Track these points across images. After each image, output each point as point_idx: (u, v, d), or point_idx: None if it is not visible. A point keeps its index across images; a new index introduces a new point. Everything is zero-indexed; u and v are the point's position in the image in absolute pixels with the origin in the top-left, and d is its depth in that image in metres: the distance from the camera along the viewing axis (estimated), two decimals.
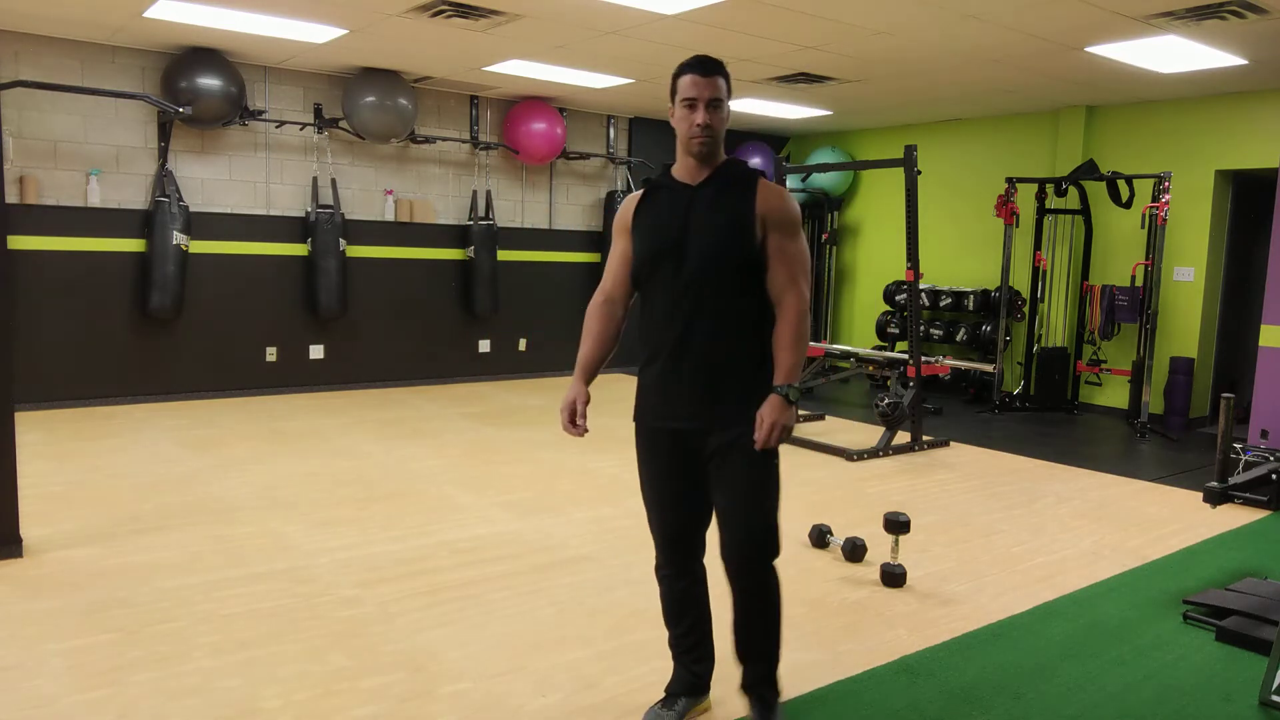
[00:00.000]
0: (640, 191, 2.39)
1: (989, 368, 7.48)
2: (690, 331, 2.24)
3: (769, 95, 7.75)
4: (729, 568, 2.30)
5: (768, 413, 2.20)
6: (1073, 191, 7.85)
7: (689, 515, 2.38)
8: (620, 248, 2.39)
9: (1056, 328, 8.12)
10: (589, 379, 2.39)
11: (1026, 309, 8.03)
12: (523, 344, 8.73)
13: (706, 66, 2.22)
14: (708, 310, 2.23)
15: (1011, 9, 4.92)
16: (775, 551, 2.32)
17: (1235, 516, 4.72)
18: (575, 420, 2.34)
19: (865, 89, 7.32)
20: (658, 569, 2.46)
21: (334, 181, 7.53)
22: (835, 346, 7.47)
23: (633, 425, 2.40)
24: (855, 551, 3.82)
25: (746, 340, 2.27)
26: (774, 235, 2.25)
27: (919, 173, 5.91)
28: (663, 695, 2.49)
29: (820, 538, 3.99)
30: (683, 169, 2.31)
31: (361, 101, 7.18)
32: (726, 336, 2.25)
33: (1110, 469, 5.78)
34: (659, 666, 2.77)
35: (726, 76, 2.25)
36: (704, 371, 2.25)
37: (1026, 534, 4.34)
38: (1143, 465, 5.96)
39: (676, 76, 2.26)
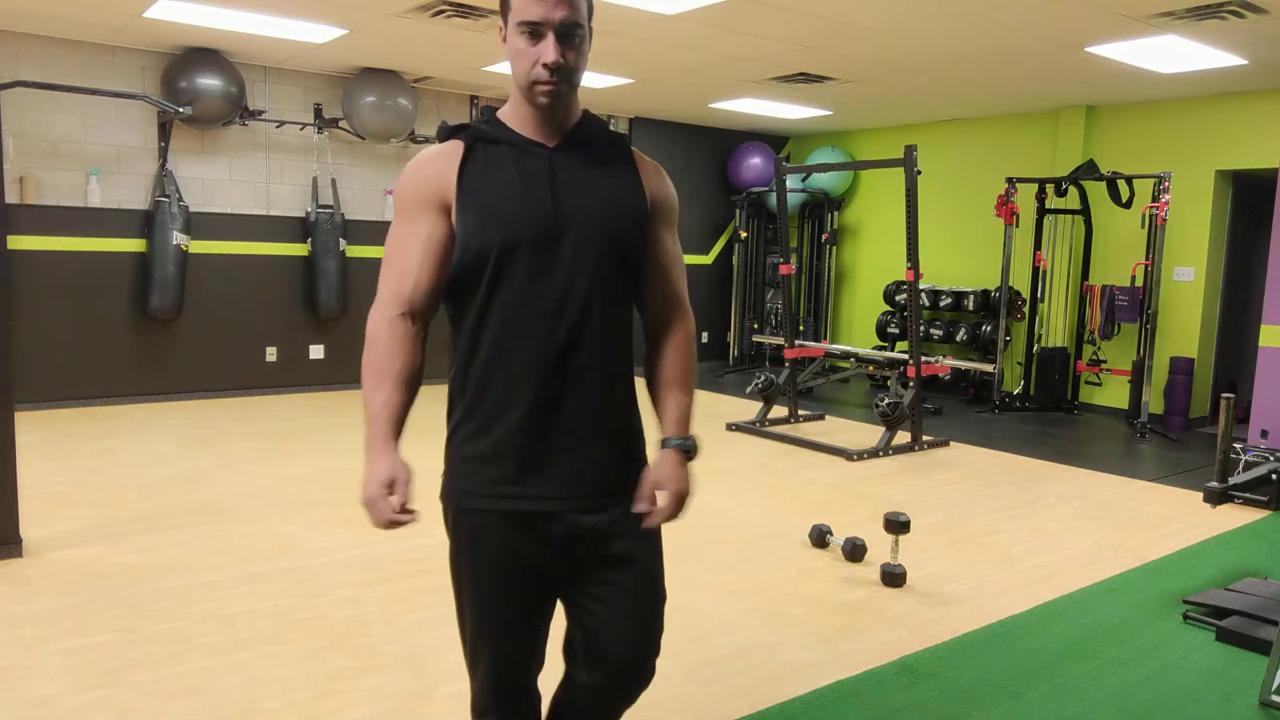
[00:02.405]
0: (452, 145, 1.55)
1: (989, 368, 7.49)
2: (569, 363, 1.53)
3: (769, 95, 7.75)
4: (602, 692, 1.68)
5: (669, 477, 1.59)
6: (1073, 191, 7.85)
7: (537, 639, 1.67)
8: (424, 231, 1.53)
9: (1056, 328, 8.12)
10: (398, 437, 1.57)
11: (1026, 309, 8.03)
12: None
13: None
14: (586, 328, 1.54)
15: (1011, 9, 4.92)
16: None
17: (1235, 516, 4.71)
18: (398, 509, 1.52)
19: (865, 89, 7.32)
20: (482, 713, 1.70)
21: (334, 181, 7.53)
22: (835, 346, 7.47)
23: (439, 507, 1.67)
24: (855, 551, 3.82)
25: (627, 373, 1.62)
26: (661, 228, 1.62)
27: (919, 173, 5.91)
28: None
29: (820, 538, 3.99)
30: (522, 121, 1.56)
31: (361, 101, 7.18)
32: (611, 367, 1.58)
33: (1110, 469, 5.78)
34: (658, 666, 2.78)
35: None
36: (589, 422, 1.56)
37: (1026, 534, 4.34)
38: (1143, 465, 5.96)
39: None
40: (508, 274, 1.51)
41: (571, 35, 1.48)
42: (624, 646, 1.63)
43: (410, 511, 1.53)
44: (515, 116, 1.56)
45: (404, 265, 1.54)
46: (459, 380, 1.60)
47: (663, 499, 1.59)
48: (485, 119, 1.58)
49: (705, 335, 9.97)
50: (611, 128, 1.66)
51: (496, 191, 1.52)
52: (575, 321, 1.53)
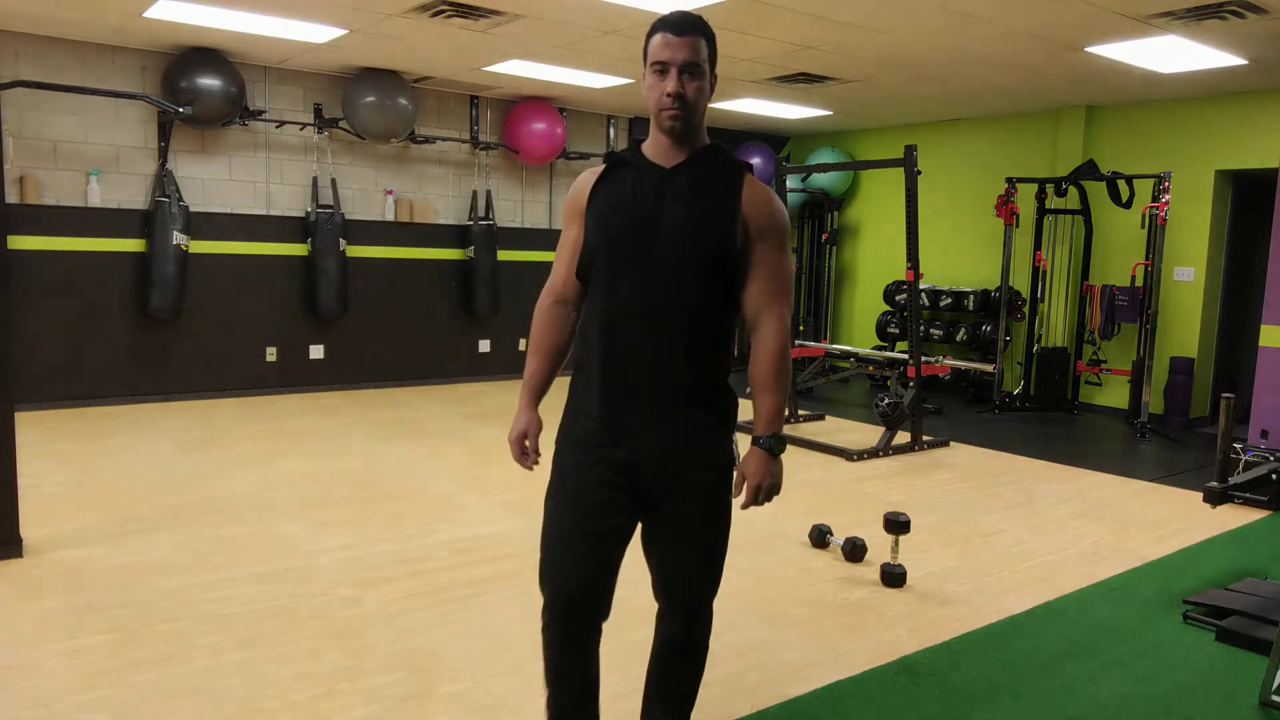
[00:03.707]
0: (600, 168, 1.96)
1: (989, 368, 7.49)
2: (647, 342, 1.86)
3: (769, 95, 7.75)
4: (665, 633, 2.02)
5: (754, 470, 1.90)
6: (1073, 191, 7.85)
7: (604, 569, 1.93)
8: (572, 235, 1.96)
9: (1056, 328, 8.12)
10: (538, 400, 2.03)
11: (1026, 309, 8.03)
12: (523, 344, 8.72)
13: (682, 23, 1.81)
14: (670, 317, 1.85)
15: (1011, 9, 4.92)
16: (711, 602, 2.02)
17: (1235, 516, 4.71)
18: (526, 451, 2.01)
19: (865, 89, 7.32)
20: (546, 629, 1.97)
21: (334, 181, 7.53)
22: (835, 346, 7.47)
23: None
24: (855, 551, 3.82)
25: (711, 363, 1.91)
26: (758, 244, 1.88)
27: (919, 173, 5.91)
28: None
29: (820, 538, 3.99)
30: (655, 148, 1.90)
31: (361, 101, 7.18)
32: (688, 353, 1.87)
33: (1110, 469, 5.78)
34: None
35: (710, 37, 1.84)
36: (662, 392, 1.87)
37: (1026, 534, 4.34)
38: (1143, 465, 5.96)
39: (649, 36, 1.84)
40: (608, 266, 1.87)
41: (694, 73, 1.82)
42: (681, 584, 1.96)
43: (536, 456, 2.03)
44: (650, 145, 1.92)
45: (557, 262, 2.01)
46: (578, 346, 1.98)
47: (747, 488, 1.91)
48: (629, 148, 1.97)
49: None
50: (734, 156, 1.95)
51: (612, 203, 1.90)
52: (658, 313, 1.85)
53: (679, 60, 1.80)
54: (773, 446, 1.90)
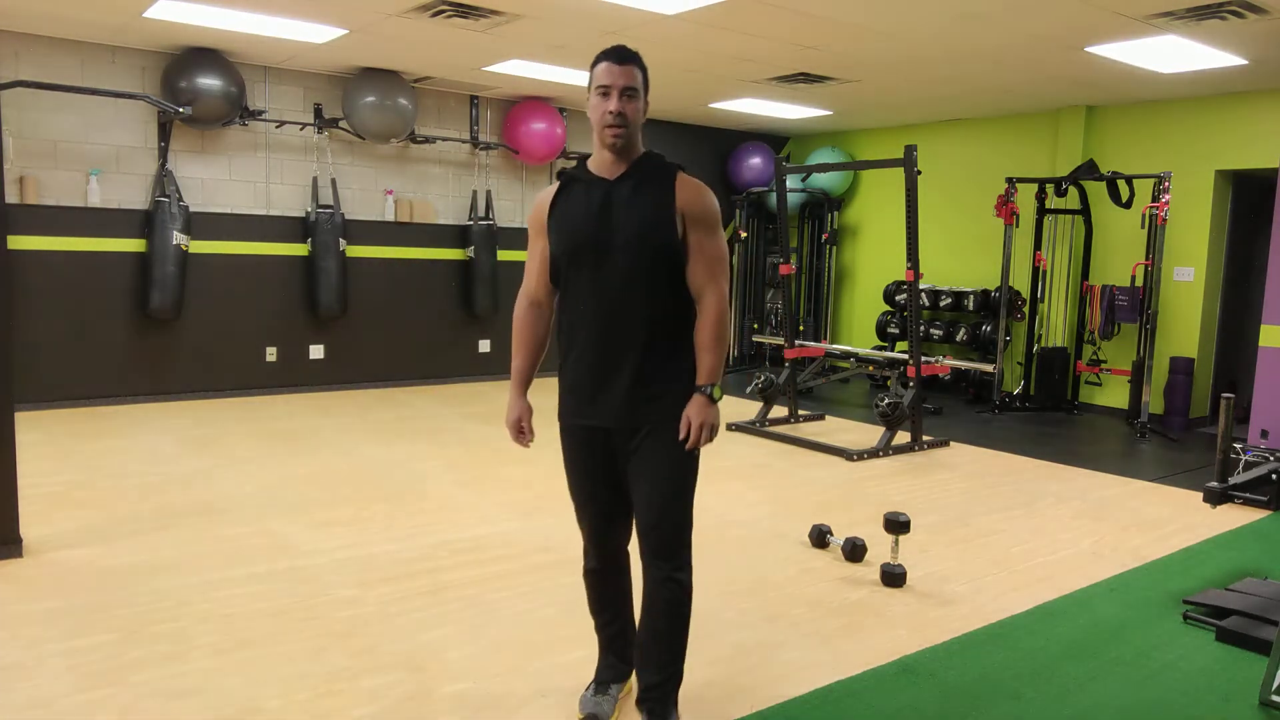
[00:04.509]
0: (555, 186, 2.33)
1: (989, 368, 7.49)
2: (613, 329, 2.23)
3: (769, 95, 7.75)
4: (645, 556, 2.31)
5: (695, 413, 2.22)
6: (1073, 191, 7.85)
7: (616, 510, 2.40)
8: (539, 247, 2.34)
9: (1056, 328, 8.12)
10: (526, 389, 2.44)
11: (1026, 309, 8.03)
12: None
13: (621, 54, 2.19)
14: (630, 307, 2.22)
15: (1011, 9, 4.92)
16: (687, 546, 2.30)
17: (1235, 516, 4.72)
18: (524, 431, 2.42)
19: (865, 89, 7.33)
20: (586, 557, 2.49)
21: (334, 181, 7.53)
22: (835, 346, 7.47)
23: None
24: (855, 551, 3.82)
25: (669, 337, 2.26)
26: (693, 231, 2.23)
27: (919, 173, 5.91)
28: (593, 682, 2.55)
29: (820, 538, 3.99)
30: (599, 162, 2.26)
31: (361, 101, 7.18)
32: (649, 333, 2.23)
33: (1110, 469, 5.78)
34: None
35: (643, 68, 2.23)
36: (627, 369, 2.24)
37: (1026, 534, 4.34)
38: (1143, 465, 5.96)
39: (593, 65, 2.22)
40: (574, 270, 2.25)
41: (632, 96, 2.19)
42: (651, 513, 2.28)
43: (530, 435, 2.44)
44: (595, 161, 2.28)
45: (529, 270, 2.39)
46: (558, 340, 2.37)
47: (692, 428, 2.22)
48: (576, 167, 2.31)
49: None
50: (665, 159, 2.29)
51: (568, 215, 2.27)
52: (620, 301, 2.22)
53: (620, 84, 2.17)
54: (711, 393, 2.24)
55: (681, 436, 2.22)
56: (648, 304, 2.22)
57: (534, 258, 2.36)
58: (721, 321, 2.25)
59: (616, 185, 2.23)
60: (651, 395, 2.25)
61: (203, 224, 6.96)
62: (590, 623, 2.57)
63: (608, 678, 2.54)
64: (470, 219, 8.20)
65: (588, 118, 2.24)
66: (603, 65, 2.19)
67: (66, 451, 5.32)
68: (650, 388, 2.25)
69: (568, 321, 2.30)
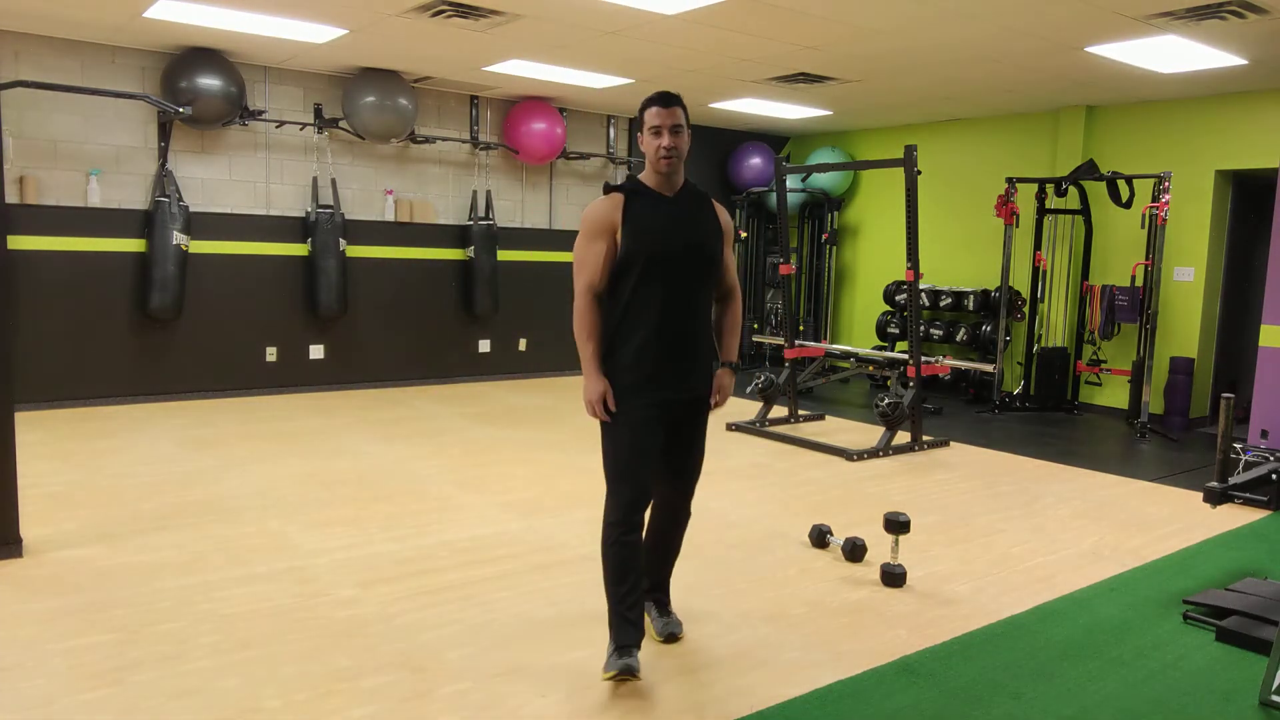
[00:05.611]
0: (620, 195, 2.71)
1: (989, 368, 7.48)
2: (682, 318, 2.71)
3: (769, 95, 7.75)
4: (672, 507, 2.89)
5: (728, 382, 2.85)
6: (1073, 191, 7.85)
7: (653, 471, 2.78)
8: (601, 246, 2.68)
9: (1056, 328, 8.12)
10: (601, 366, 2.73)
11: (1026, 309, 8.03)
12: (523, 344, 8.73)
13: (666, 99, 2.69)
14: (693, 301, 2.73)
15: (1011, 9, 4.92)
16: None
17: (1235, 516, 4.71)
18: (606, 404, 2.70)
19: (865, 89, 7.32)
20: (618, 526, 2.68)
21: (334, 181, 7.53)
22: (835, 346, 7.47)
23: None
24: (855, 551, 3.82)
25: (708, 324, 2.84)
26: (725, 245, 2.83)
27: (919, 173, 5.91)
28: (615, 648, 2.66)
29: (820, 538, 3.99)
30: (654, 181, 2.72)
31: (361, 101, 7.18)
32: (702, 322, 2.78)
33: (1110, 469, 5.78)
34: (660, 666, 2.77)
35: (684, 107, 2.72)
36: (691, 351, 2.75)
37: (1026, 534, 4.34)
38: (1143, 465, 5.96)
39: (643, 109, 2.71)
40: (651, 267, 2.66)
41: (678, 132, 2.68)
42: (688, 472, 2.89)
43: (612, 411, 2.70)
44: (649, 179, 2.74)
45: (590, 267, 2.70)
46: (618, 328, 2.70)
47: (722, 393, 2.84)
48: (631, 182, 2.74)
49: None
50: (700, 187, 2.86)
51: (645, 222, 2.68)
52: (685, 298, 2.72)
53: (669, 124, 2.66)
54: (734, 367, 2.91)
55: (715, 400, 2.82)
56: (705, 298, 2.78)
57: (595, 255, 2.68)
58: (740, 312, 2.97)
59: (676, 200, 2.73)
60: (709, 369, 2.82)
61: (203, 224, 6.96)
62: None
63: (630, 640, 2.67)
64: (470, 219, 8.20)
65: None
66: (653, 109, 2.68)
67: (66, 451, 5.32)
68: (708, 364, 2.81)
69: (633, 312, 2.68)
